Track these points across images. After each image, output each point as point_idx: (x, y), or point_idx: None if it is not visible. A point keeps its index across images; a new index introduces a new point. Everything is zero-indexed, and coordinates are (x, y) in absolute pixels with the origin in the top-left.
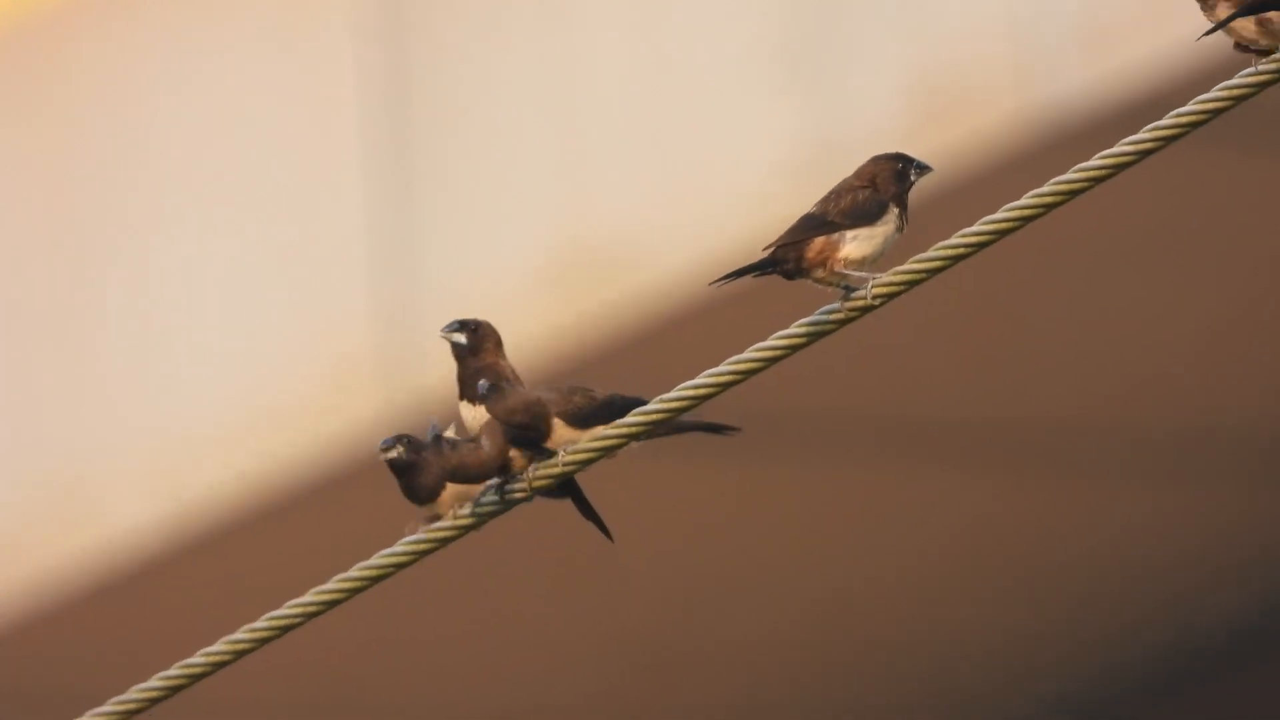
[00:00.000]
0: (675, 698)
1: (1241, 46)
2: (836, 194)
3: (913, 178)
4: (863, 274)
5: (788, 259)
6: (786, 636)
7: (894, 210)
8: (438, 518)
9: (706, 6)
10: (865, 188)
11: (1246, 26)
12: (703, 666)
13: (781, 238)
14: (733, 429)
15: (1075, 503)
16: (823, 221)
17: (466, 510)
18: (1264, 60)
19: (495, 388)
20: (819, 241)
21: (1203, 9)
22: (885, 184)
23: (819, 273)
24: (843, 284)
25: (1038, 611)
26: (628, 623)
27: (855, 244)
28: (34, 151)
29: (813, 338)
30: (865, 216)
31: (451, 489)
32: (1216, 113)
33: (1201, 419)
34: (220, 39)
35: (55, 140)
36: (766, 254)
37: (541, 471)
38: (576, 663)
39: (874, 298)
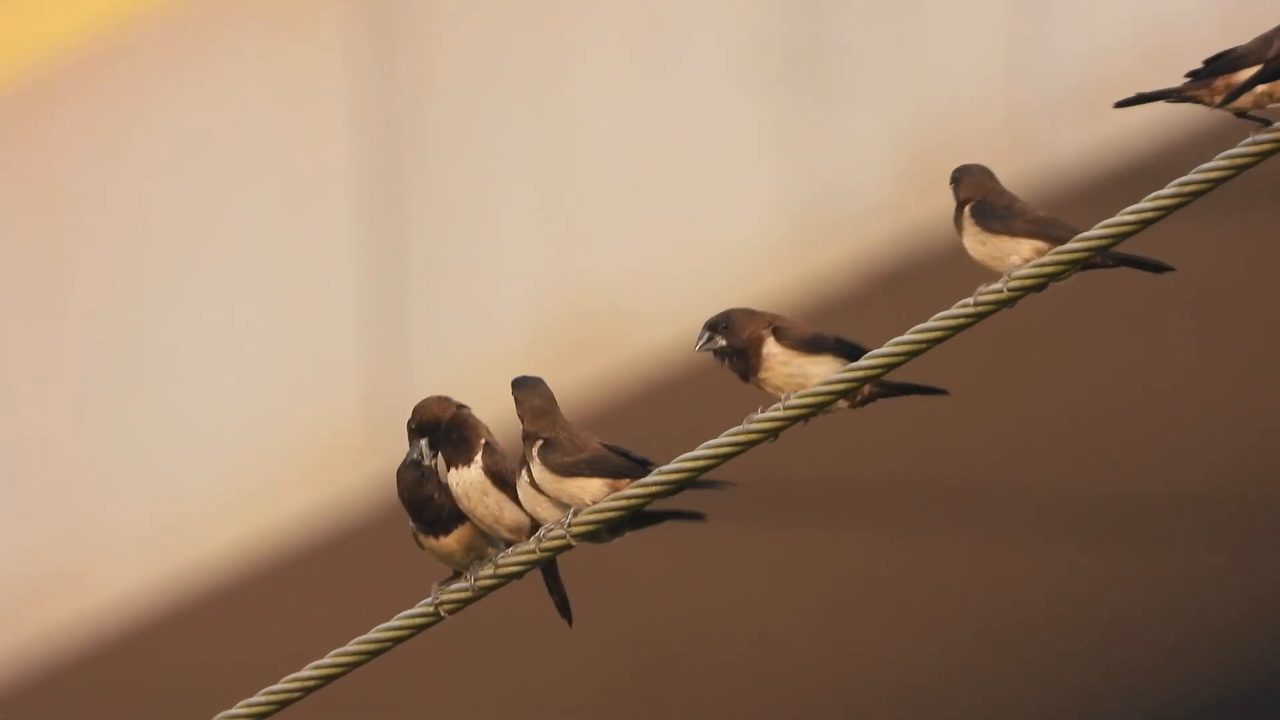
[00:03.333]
0: None
1: (1241, 114)
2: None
3: None
4: None
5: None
6: (747, 692)
7: None
8: (455, 577)
9: (699, 71)
10: None
11: (1245, 100)
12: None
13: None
14: (698, 516)
15: (1017, 563)
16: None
17: (483, 572)
18: (1263, 130)
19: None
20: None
21: (1203, 94)
22: None
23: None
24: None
25: (987, 670)
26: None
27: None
28: (21, 217)
29: (774, 431)
30: None
31: (461, 533)
32: (1218, 181)
33: (1143, 483)
34: (212, 104)
35: (42, 207)
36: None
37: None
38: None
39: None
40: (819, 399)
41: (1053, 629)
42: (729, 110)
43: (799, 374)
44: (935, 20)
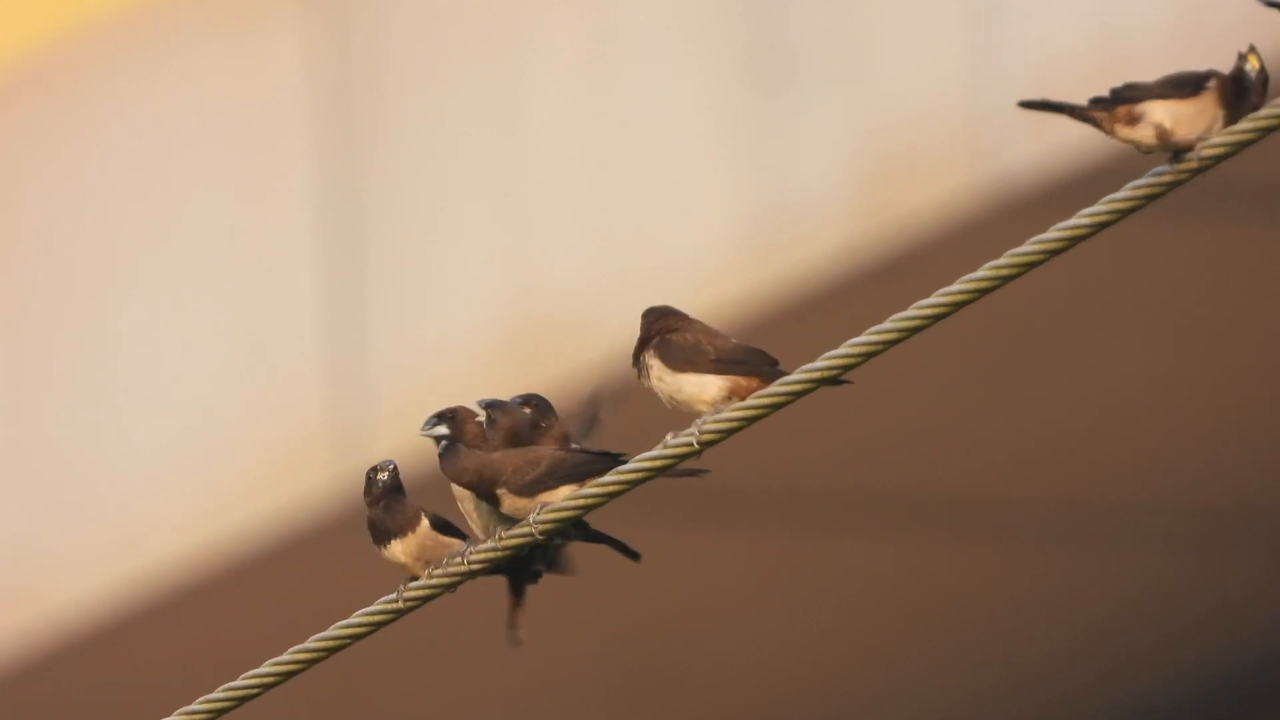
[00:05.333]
0: None
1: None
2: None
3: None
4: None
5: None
6: (716, 698)
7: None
8: (415, 577)
9: (655, 77)
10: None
11: (1128, 131)
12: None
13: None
14: (633, 554)
15: (989, 572)
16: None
17: (436, 571)
18: (1205, 144)
19: (451, 447)
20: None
21: (1103, 118)
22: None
23: (1125, 132)
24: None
25: (953, 679)
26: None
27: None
28: None
29: (749, 421)
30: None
31: (414, 539)
32: (1173, 185)
33: (1111, 491)
34: (171, 108)
35: (2, 212)
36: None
37: (509, 538)
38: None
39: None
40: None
41: (1033, 632)
42: (686, 117)
43: (673, 389)
44: (892, 28)
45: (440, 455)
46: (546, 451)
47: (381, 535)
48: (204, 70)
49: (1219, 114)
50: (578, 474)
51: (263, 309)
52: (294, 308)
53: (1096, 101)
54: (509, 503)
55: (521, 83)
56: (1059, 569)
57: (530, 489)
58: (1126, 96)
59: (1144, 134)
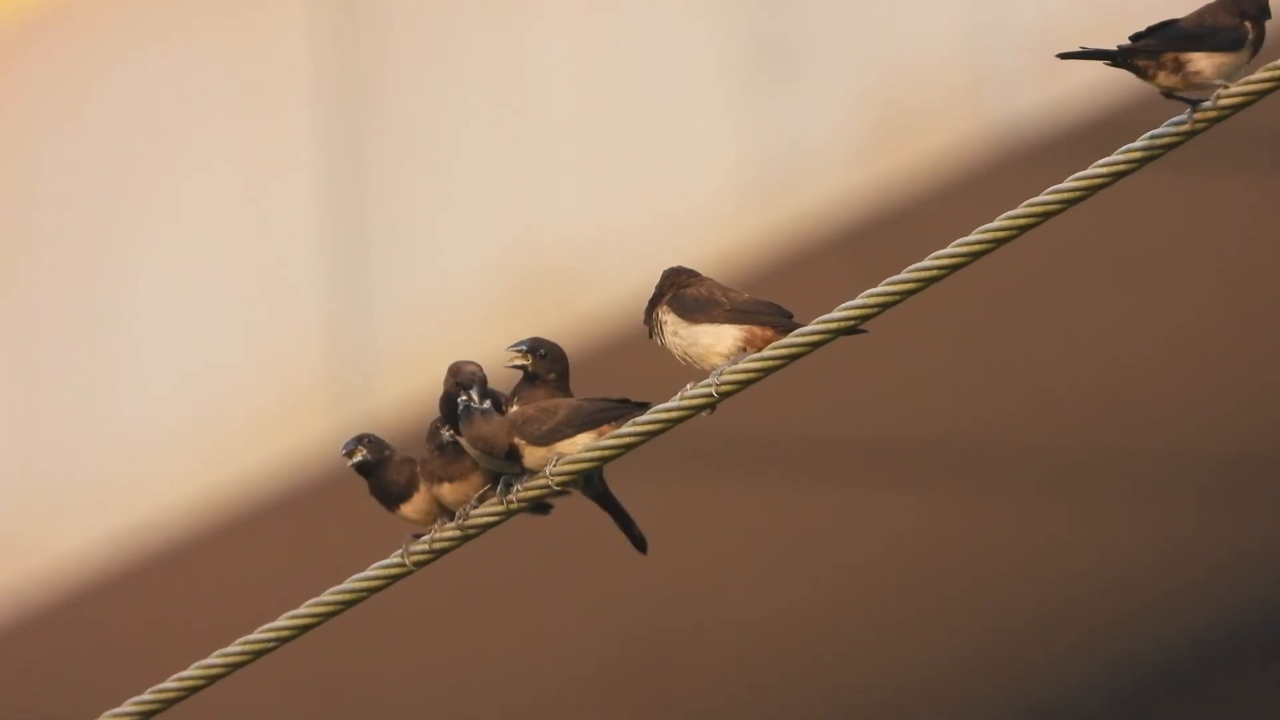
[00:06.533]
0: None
1: (1170, 94)
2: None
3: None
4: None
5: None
6: (732, 653)
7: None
8: (424, 532)
9: (659, 26)
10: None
11: (1171, 79)
12: (652, 680)
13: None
14: (641, 542)
15: (1007, 523)
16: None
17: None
18: (1225, 92)
19: (468, 410)
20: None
21: (1150, 66)
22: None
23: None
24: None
25: (971, 629)
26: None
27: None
28: None
29: (766, 372)
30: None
31: (425, 492)
32: (1191, 134)
33: (1130, 441)
34: (173, 57)
35: (8, 162)
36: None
37: (527, 490)
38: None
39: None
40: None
41: (1029, 587)
42: (691, 68)
43: (688, 342)
44: None
45: (460, 417)
46: (563, 401)
47: (388, 502)
48: (210, 27)
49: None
50: (596, 420)
51: (266, 259)
52: (297, 258)
53: (1136, 49)
54: (529, 454)
55: (526, 35)
56: (1076, 520)
57: (548, 438)
58: (1171, 43)
59: (1186, 82)
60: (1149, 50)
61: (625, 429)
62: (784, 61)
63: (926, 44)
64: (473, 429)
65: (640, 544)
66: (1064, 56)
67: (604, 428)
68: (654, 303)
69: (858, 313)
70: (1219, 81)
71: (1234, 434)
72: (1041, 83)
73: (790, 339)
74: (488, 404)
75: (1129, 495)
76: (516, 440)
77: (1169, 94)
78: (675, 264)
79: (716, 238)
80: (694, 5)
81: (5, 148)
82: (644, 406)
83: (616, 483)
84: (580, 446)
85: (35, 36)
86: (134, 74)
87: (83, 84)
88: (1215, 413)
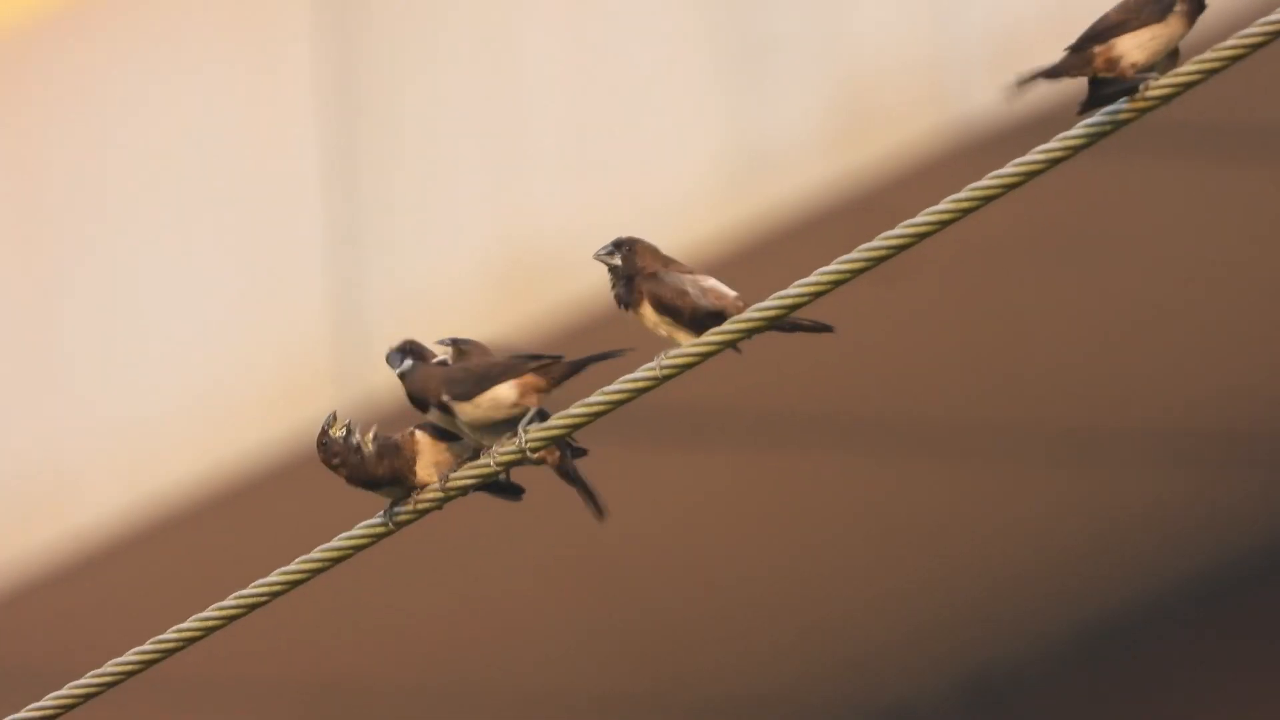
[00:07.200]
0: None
1: (1107, 83)
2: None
3: None
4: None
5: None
6: (710, 619)
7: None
8: (400, 501)
9: (642, 22)
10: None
11: (1111, 71)
12: (633, 649)
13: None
14: (599, 509)
15: (988, 490)
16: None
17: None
18: (1154, 83)
19: (413, 368)
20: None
21: (1080, 66)
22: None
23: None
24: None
25: (951, 595)
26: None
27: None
28: (0, 153)
29: (716, 349)
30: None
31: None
32: (1121, 124)
33: (1106, 411)
34: (181, 44)
35: (22, 142)
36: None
37: (502, 455)
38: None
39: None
40: (694, 358)
41: (1023, 552)
42: (670, 66)
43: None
44: None
45: (402, 376)
46: (479, 360)
47: (386, 486)
48: (213, 21)
49: (1184, 31)
50: (514, 371)
51: (269, 237)
52: (299, 236)
53: (1072, 52)
54: (461, 410)
55: (513, 25)
56: (1043, 490)
57: (470, 393)
58: (1096, 37)
59: (1124, 69)
60: (1077, 50)
61: (594, 398)
62: (758, 58)
63: (892, 41)
64: (408, 388)
65: (599, 510)
66: (1020, 82)
67: (526, 378)
68: (628, 279)
69: (792, 301)
70: (1153, 75)
71: (1199, 408)
72: (999, 78)
73: (726, 326)
74: (408, 363)
75: (1097, 467)
76: (445, 398)
77: (1128, 82)
78: (661, 247)
79: (697, 225)
80: (673, 3)
81: (23, 135)
82: (557, 359)
83: (593, 452)
84: (509, 402)
85: (39, 35)
86: (139, 68)
87: (90, 77)
88: (1187, 390)
